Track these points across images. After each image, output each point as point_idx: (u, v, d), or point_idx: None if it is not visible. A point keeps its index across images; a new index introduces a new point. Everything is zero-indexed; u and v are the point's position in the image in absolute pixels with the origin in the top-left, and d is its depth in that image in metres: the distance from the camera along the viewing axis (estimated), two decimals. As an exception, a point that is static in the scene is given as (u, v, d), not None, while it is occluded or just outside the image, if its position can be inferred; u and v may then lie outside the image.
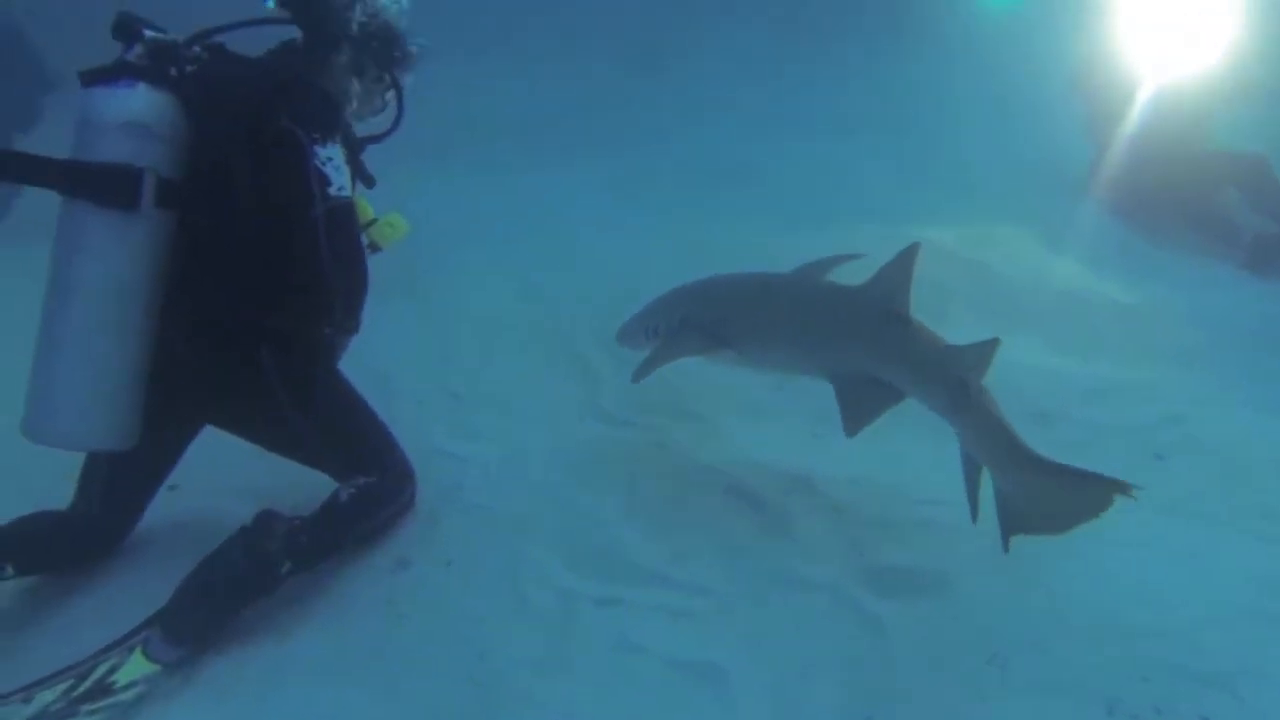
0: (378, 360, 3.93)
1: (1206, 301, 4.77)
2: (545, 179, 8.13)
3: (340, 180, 2.60)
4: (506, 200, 7.23)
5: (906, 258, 2.80)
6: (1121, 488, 2.38)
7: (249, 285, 2.63)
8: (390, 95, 3.07)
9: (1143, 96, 5.72)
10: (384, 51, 2.96)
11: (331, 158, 2.60)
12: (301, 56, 2.84)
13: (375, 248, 3.01)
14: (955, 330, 4.42)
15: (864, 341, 2.87)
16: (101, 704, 2.32)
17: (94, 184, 2.38)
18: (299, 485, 2.94)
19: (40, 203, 2.67)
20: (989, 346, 2.59)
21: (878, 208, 6.07)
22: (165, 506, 2.99)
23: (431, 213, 6.12)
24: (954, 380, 2.64)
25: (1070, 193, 6.08)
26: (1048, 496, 2.50)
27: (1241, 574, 2.71)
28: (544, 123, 11.02)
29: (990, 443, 2.60)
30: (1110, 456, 3.42)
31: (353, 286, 2.68)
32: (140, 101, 2.41)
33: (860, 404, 2.75)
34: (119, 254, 2.42)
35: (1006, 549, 2.57)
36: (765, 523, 2.98)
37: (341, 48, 2.87)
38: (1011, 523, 2.59)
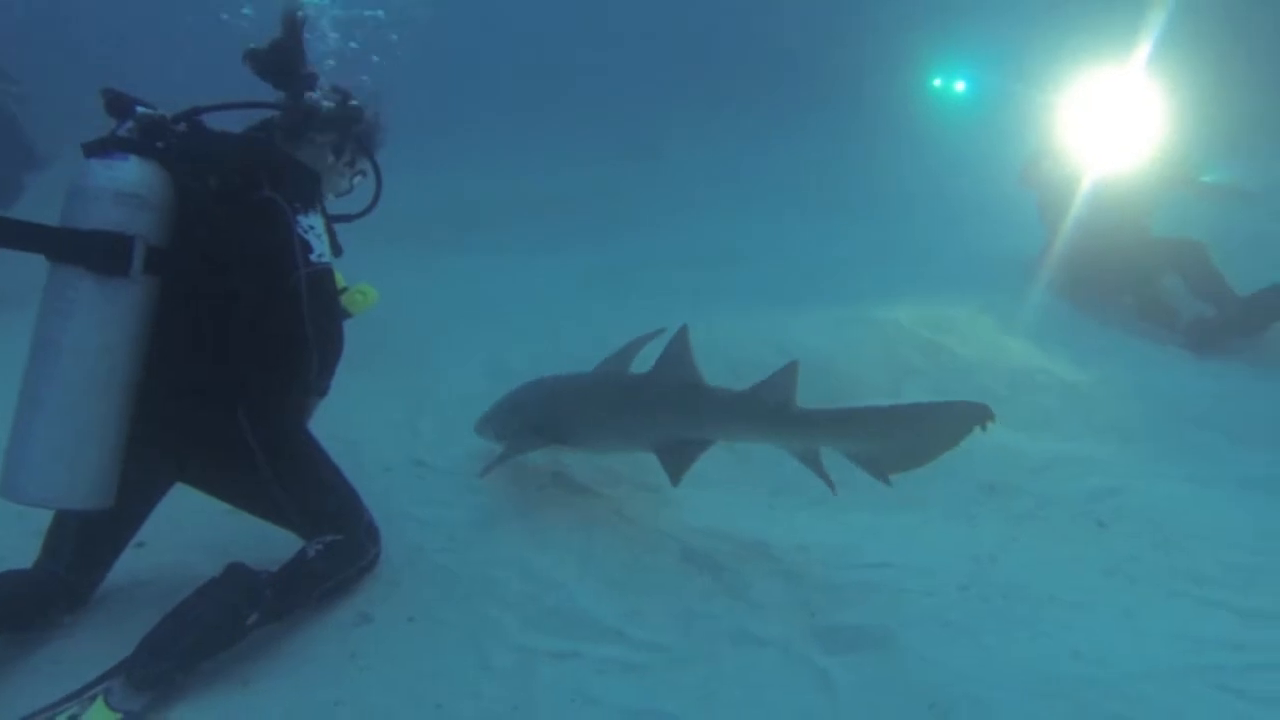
0: (348, 429, 4.05)
1: (1148, 380, 4.96)
2: (527, 262, 8.40)
3: (321, 248, 2.76)
4: (487, 282, 7.46)
5: (681, 338, 3.47)
6: (979, 412, 2.96)
7: (228, 347, 2.74)
8: (358, 180, 3.25)
9: (1087, 187, 6.03)
10: (366, 135, 3.15)
11: (313, 226, 2.76)
12: (281, 133, 3.01)
13: (346, 314, 3.14)
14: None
15: (675, 411, 3.43)
16: (61, 753, 2.34)
17: (88, 250, 2.49)
18: (265, 542, 3.01)
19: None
20: (790, 371, 3.22)
21: (843, 290, 6.31)
22: (132, 562, 3.04)
23: (410, 289, 6.32)
24: (771, 408, 3.20)
25: (1022, 277, 6.33)
26: (908, 439, 3.13)
27: (1175, 632, 2.82)
28: (531, 207, 11.38)
29: (836, 430, 3.23)
30: (1055, 524, 3.58)
31: (329, 349, 2.81)
32: (131, 173, 2.55)
33: (679, 459, 3.34)
34: (107, 317, 2.52)
35: (888, 483, 3.14)
36: (719, 585, 3.07)
37: (324, 128, 3.04)
38: (879, 469, 3.15)
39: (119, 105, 2.72)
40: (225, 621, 2.53)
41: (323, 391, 2.97)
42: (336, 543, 2.88)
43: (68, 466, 2.49)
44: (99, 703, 2.41)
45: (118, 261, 2.51)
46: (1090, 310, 6.05)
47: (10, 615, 2.73)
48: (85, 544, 2.87)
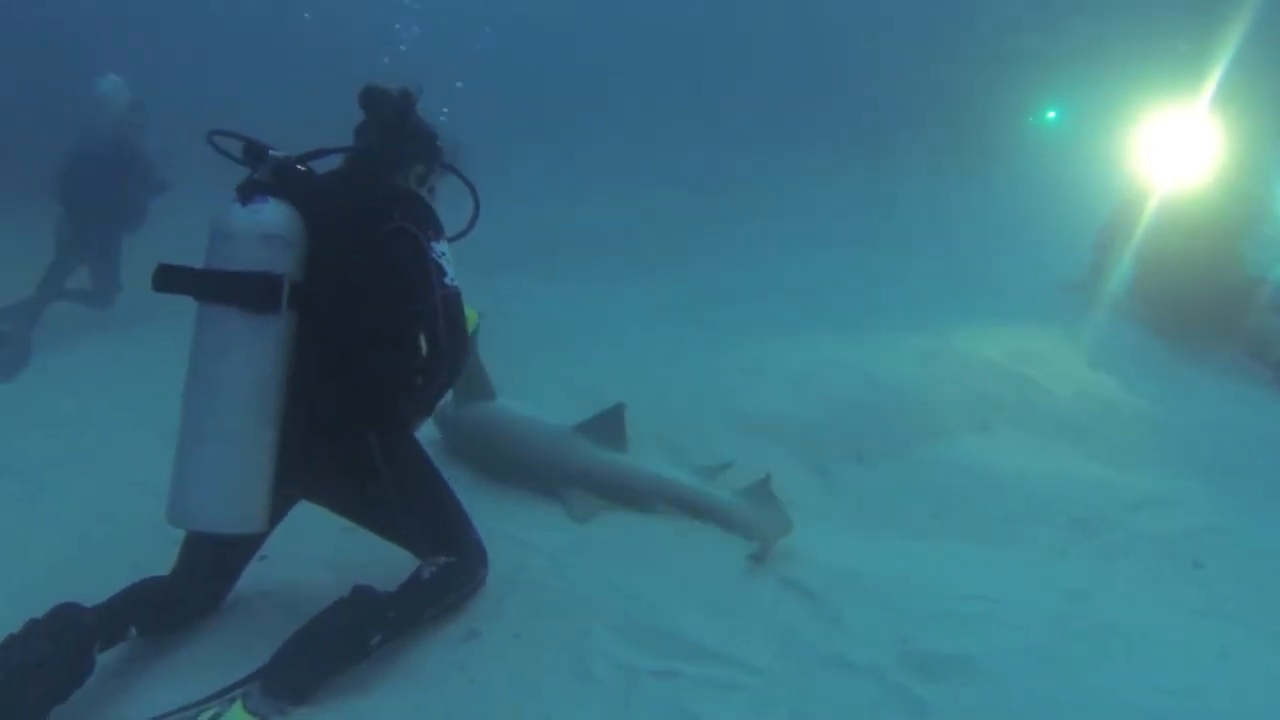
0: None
1: (1241, 417, 4.92)
2: (599, 292, 8.59)
3: (452, 271, 2.96)
4: (558, 310, 7.66)
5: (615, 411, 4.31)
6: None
7: (360, 372, 2.93)
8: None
9: (1176, 220, 6.00)
10: (449, 160, 3.35)
11: (444, 252, 2.98)
12: (385, 167, 3.19)
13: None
14: (999, 441, 4.65)
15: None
16: (202, 747, 2.53)
17: (243, 290, 2.70)
18: (379, 559, 3.18)
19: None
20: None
21: (922, 322, 6.35)
22: (257, 574, 3.24)
23: (502, 314, 6.53)
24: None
25: (1109, 310, 6.30)
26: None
27: (1274, 675, 2.82)
28: (599, 238, 11.61)
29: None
30: (1149, 562, 3.58)
31: (457, 368, 3.00)
32: (275, 215, 2.76)
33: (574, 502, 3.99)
34: (261, 352, 2.72)
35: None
36: (814, 611, 3.15)
37: (417, 162, 3.25)
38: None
39: (254, 152, 2.93)
40: (352, 642, 2.71)
41: (430, 411, 3.16)
42: (450, 564, 3.04)
43: (231, 494, 2.71)
44: (238, 705, 2.59)
45: (270, 299, 2.71)
46: (1177, 342, 5.99)
47: (153, 620, 2.93)
48: (217, 556, 3.07)
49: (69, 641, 2.54)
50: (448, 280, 2.95)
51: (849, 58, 17.25)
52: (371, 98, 3.20)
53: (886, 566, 3.48)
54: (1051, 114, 10.55)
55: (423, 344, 2.90)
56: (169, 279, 2.78)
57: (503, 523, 3.76)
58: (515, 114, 18.88)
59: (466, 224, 3.36)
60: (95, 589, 2.87)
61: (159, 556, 3.10)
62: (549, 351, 6.24)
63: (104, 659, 2.72)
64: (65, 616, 2.60)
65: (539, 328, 7.09)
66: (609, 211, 13.14)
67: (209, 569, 3.06)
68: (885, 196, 12.26)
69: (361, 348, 2.93)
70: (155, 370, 6.19)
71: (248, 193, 2.79)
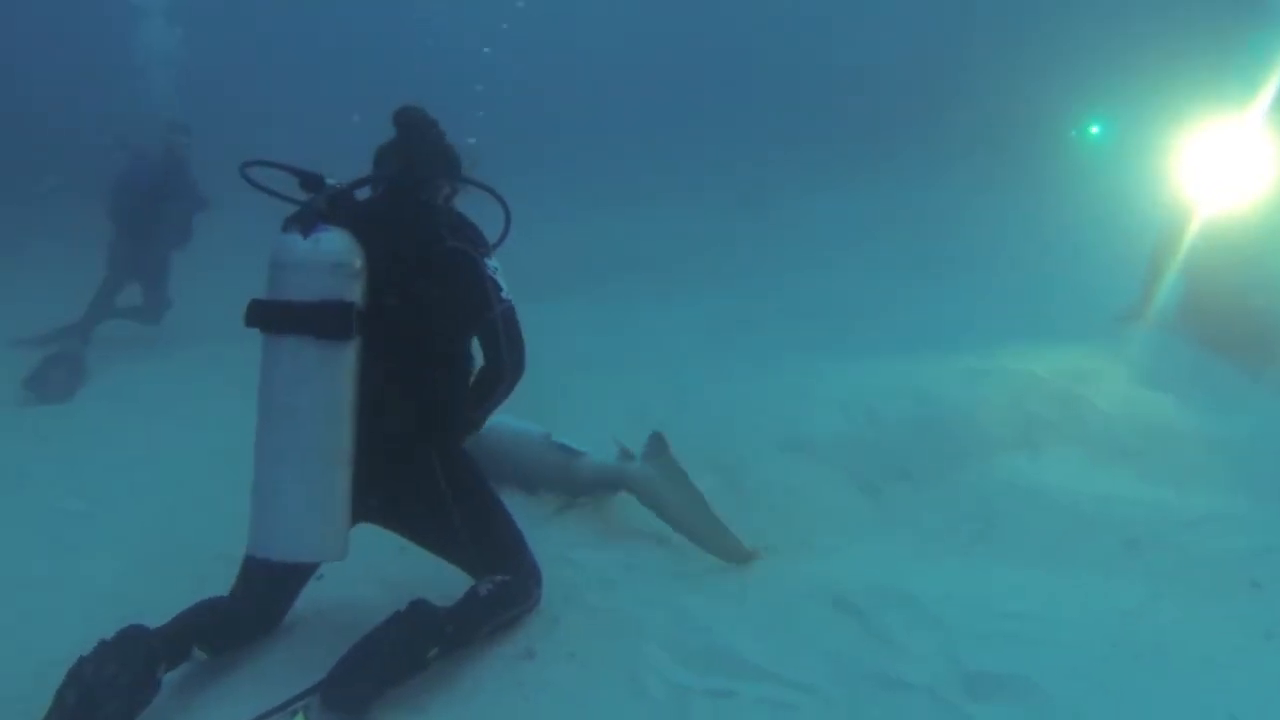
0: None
1: (1300, 436, 4.83)
2: (644, 312, 8.65)
3: (507, 286, 3.06)
4: (615, 330, 7.71)
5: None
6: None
7: (421, 393, 3.01)
8: None
9: (1228, 234, 5.92)
10: (471, 171, 3.42)
11: (497, 268, 3.07)
12: (421, 188, 3.26)
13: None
14: (1048, 460, 4.62)
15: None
16: (266, 758, 2.61)
17: (318, 320, 2.77)
18: (433, 578, 3.25)
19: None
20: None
21: (969, 341, 6.31)
22: (314, 593, 3.31)
23: (544, 334, 6.61)
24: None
25: (1160, 327, 6.22)
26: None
27: (1335, 698, 2.78)
28: (641, 257, 11.68)
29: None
30: (1205, 583, 3.53)
31: (517, 380, 3.10)
32: (338, 243, 2.83)
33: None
34: (335, 379, 2.79)
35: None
36: (866, 630, 3.15)
37: (446, 181, 3.34)
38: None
39: (311, 182, 3.00)
40: (409, 654, 2.76)
41: (478, 426, 3.22)
42: (505, 583, 3.09)
43: (314, 524, 2.80)
44: (299, 718, 2.66)
45: (344, 327, 2.78)
46: (1232, 359, 5.89)
47: (215, 640, 3.00)
48: (277, 578, 3.14)
49: (137, 663, 2.62)
50: (504, 295, 3.05)
51: (903, 75, 17.19)
52: (409, 118, 3.27)
53: (936, 585, 3.47)
54: (1095, 128, 10.44)
55: (477, 361, 2.98)
56: (256, 314, 2.84)
57: (556, 544, 3.81)
58: (551, 130, 19.07)
59: (498, 237, 3.38)
60: (158, 604, 2.98)
61: (220, 574, 3.19)
62: (591, 374, 6.30)
63: (169, 678, 2.81)
64: (132, 638, 2.69)
65: (582, 348, 7.15)
66: (651, 230, 13.21)
67: (268, 590, 3.13)
68: (932, 216, 12.20)
69: (421, 368, 3.00)
70: (211, 388, 6.39)
71: (308, 223, 2.85)
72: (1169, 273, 6.23)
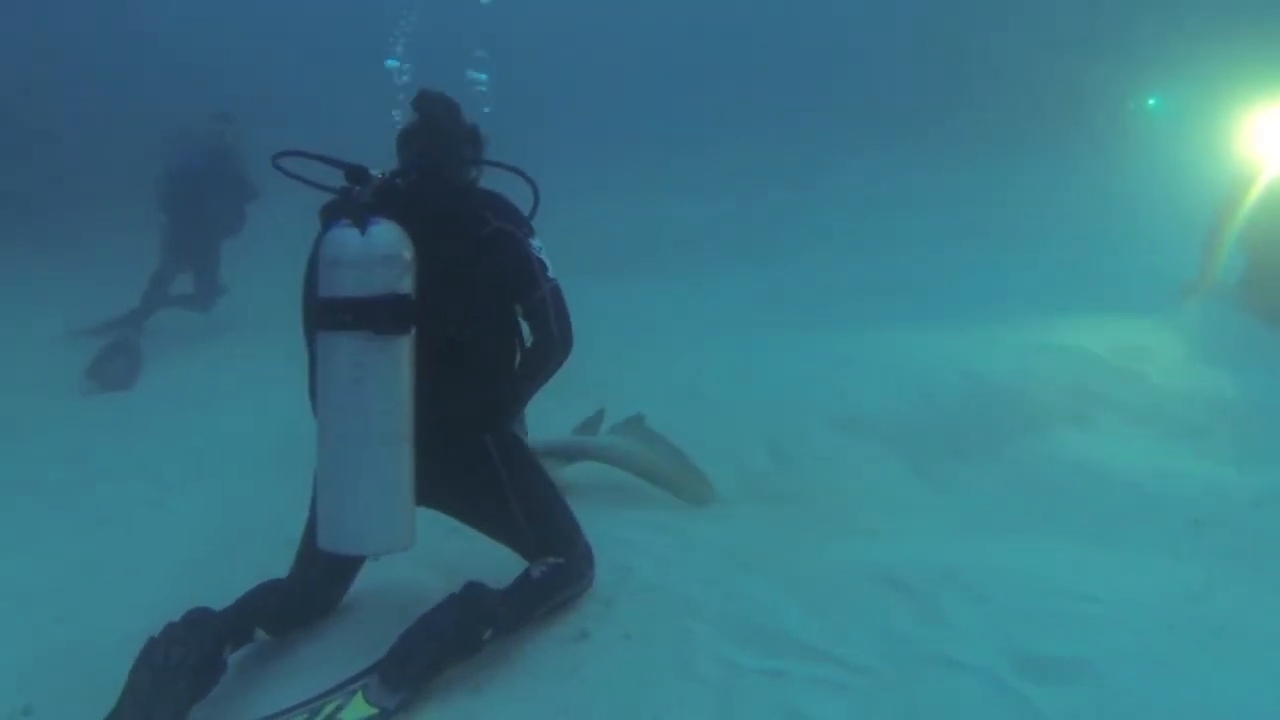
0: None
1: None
2: (692, 289, 8.64)
3: (553, 264, 3.09)
4: (668, 307, 7.72)
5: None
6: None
7: (474, 377, 3.05)
8: None
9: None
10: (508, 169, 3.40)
11: (541, 246, 3.10)
12: (460, 174, 3.30)
13: None
14: (1105, 437, 4.55)
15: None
16: (329, 734, 2.68)
17: (378, 315, 2.77)
18: (485, 560, 3.27)
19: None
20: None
21: (1021, 315, 6.23)
22: (371, 574, 3.35)
23: (597, 311, 6.65)
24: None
25: (1219, 301, 6.08)
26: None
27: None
28: (685, 234, 11.66)
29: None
30: (1272, 562, 3.46)
31: (567, 356, 3.14)
32: (391, 235, 2.82)
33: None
34: (396, 373, 2.81)
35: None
36: (919, 610, 3.13)
37: (473, 163, 3.36)
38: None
39: (358, 175, 2.97)
40: (465, 636, 2.79)
41: (521, 406, 3.27)
42: (559, 565, 3.11)
43: (382, 517, 2.83)
44: (359, 696, 2.73)
45: (403, 320, 2.80)
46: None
47: (276, 622, 3.08)
48: (334, 559, 3.19)
49: (205, 644, 2.70)
50: (550, 274, 3.08)
51: (959, 50, 16.86)
52: (431, 102, 3.27)
53: (988, 563, 3.44)
54: (1152, 101, 10.18)
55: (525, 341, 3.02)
56: (324, 314, 2.84)
57: (610, 525, 3.83)
58: (611, 109, 19.02)
59: (529, 212, 3.34)
60: (223, 586, 3.07)
61: (281, 557, 3.26)
62: (642, 350, 6.31)
63: (233, 658, 2.89)
64: (199, 621, 2.77)
65: (633, 325, 7.17)
66: (703, 208, 13.16)
67: (327, 573, 3.20)
68: (983, 190, 12.02)
69: (471, 352, 3.02)
70: (264, 374, 6.50)
71: (362, 217, 2.84)
72: (1227, 246, 6.09)
